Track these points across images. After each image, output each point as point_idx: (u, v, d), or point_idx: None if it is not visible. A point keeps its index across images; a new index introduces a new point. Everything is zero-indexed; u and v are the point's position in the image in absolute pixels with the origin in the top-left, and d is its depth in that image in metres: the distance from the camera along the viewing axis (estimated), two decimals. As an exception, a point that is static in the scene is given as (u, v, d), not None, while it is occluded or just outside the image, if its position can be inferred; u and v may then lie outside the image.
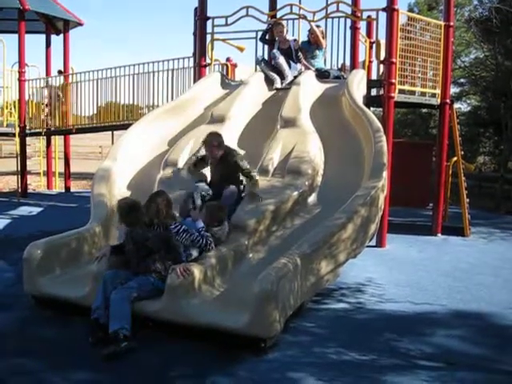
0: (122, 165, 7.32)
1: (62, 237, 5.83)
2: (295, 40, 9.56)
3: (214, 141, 6.43)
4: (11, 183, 16.68)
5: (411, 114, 24.74)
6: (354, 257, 5.96)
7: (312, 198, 6.70)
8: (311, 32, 9.59)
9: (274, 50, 9.34)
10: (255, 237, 6.00)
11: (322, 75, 9.28)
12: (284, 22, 9.59)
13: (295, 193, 6.47)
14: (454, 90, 21.96)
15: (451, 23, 9.70)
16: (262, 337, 4.56)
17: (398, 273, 7.28)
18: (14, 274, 6.59)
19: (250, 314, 4.53)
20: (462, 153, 10.47)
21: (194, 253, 5.31)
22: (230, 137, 7.82)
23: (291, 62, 9.32)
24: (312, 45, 9.62)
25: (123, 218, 5.28)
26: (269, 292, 4.49)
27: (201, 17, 9.72)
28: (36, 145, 16.56)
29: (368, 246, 6.60)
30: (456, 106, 10.61)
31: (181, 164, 7.25)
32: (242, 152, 6.85)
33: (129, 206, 5.25)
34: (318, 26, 9.59)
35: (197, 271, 5.02)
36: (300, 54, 9.41)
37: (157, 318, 4.85)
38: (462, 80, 22.62)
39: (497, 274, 7.41)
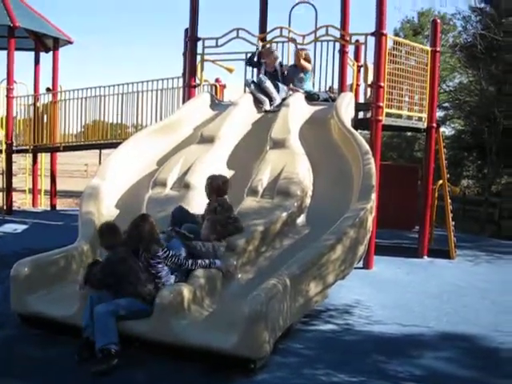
0: (110, 183, 7.30)
1: (50, 255, 5.77)
2: (281, 64, 9.66)
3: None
4: (-5, 200, 16.53)
5: (396, 137, 25.02)
6: (343, 278, 5.98)
7: (301, 219, 6.73)
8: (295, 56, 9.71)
9: (261, 75, 9.42)
10: (244, 257, 5.98)
11: (311, 98, 9.37)
12: (274, 49, 9.67)
13: (284, 214, 6.49)
14: (438, 113, 22.24)
15: (438, 48, 9.88)
16: (251, 358, 4.54)
17: (386, 295, 7.31)
18: (0, 293, 6.51)
19: (239, 335, 4.51)
20: (448, 176, 10.59)
21: (176, 278, 5.29)
22: (220, 157, 7.88)
23: (279, 84, 9.39)
24: (298, 68, 9.71)
25: (100, 241, 5.31)
26: (258, 313, 4.48)
27: (191, 38, 9.80)
28: (21, 162, 16.44)
29: (355, 268, 6.61)
30: (440, 129, 10.72)
31: (170, 183, 7.25)
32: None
33: (105, 229, 5.23)
34: (303, 49, 9.68)
35: (186, 291, 5.00)
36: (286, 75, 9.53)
37: (146, 338, 4.82)
38: (446, 104, 22.94)
39: (483, 296, 7.47)
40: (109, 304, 4.83)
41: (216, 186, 6.28)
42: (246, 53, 10.24)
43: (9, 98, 13.48)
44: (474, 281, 8.40)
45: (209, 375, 4.52)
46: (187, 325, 4.81)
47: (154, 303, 4.83)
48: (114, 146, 9.26)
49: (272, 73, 9.50)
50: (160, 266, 5.14)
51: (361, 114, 9.86)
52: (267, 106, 9.12)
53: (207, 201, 6.42)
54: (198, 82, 9.95)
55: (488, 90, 18.59)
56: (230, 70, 11.07)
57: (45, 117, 13.80)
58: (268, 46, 9.72)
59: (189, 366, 4.63)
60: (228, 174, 7.60)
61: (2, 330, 5.38)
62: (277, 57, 9.55)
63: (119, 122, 13.09)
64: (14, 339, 5.18)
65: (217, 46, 9.70)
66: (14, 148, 13.96)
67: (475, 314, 6.60)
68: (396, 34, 23.34)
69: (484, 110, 18.13)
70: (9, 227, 11.63)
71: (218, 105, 9.54)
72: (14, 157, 14.57)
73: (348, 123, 7.95)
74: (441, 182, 10.44)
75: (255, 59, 9.82)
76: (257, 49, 9.73)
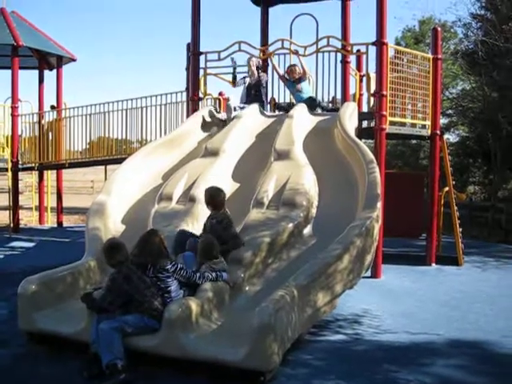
0: (116, 199, 7.31)
1: (57, 272, 5.78)
2: (259, 68, 9.76)
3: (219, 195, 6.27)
4: (2, 218, 16.58)
5: (401, 146, 25.01)
6: (351, 287, 5.95)
7: (307, 230, 6.72)
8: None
9: (240, 105, 9.50)
10: (251, 269, 5.98)
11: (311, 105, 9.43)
12: (252, 60, 9.67)
13: (290, 225, 6.48)
14: (442, 121, 22.23)
15: (439, 56, 9.91)
16: (260, 370, 4.52)
17: (394, 303, 7.28)
18: (7, 310, 6.53)
19: (248, 347, 4.50)
20: (454, 183, 10.57)
21: (185, 293, 5.29)
22: (224, 170, 7.90)
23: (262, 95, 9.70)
24: (294, 82, 9.74)
25: (105, 260, 5.27)
26: (267, 325, 4.48)
27: (194, 52, 9.86)
28: (27, 180, 16.52)
29: (363, 277, 6.59)
30: (444, 136, 10.73)
31: (175, 197, 7.27)
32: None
33: (108, 248, 5.18)
34: (293, 65, 9.79)
35: (194, 305, 4.99)
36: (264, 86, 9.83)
37: (154, 352, 4.81)
38: (449, 111, 22.94)
39: (492, 302, 7.43)
40: (114, 321, 4.83)
41: (219, 200, 6.27)
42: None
43: (14, 117, 13.59)
44: (483, 287, 8.36)
45: (218, 388, 4.51)
46: (196, 338, 4.79)
47: (162, 318, 4.83)
48: (119, 161, 9.30)
49: (256, 83, 9.65)
50: (169, 280, 5.15)
51: (365, 123, 9.88)
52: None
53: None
54: (201, 95, 10.00)
55: (491, 95, 18.59)
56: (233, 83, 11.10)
57: (50, 134, 13.89)
58: (248, 56, 9.75)
59: (198, 380, 4.62)
60: (233, 186, 7.65)
61: (9, 348, 5.38)
62: (250, 66, 9.62)
63: (124, 137, 13.16)
64: (22, 356, 5.18)
65: (219, 59, 9.76)
66: (20, 166, 14.03)
67: (484, 320, 6.57)
68: (397, 43, 23.44)
69: (488, 115, 18.11)
70: (16, 245, 11.66)
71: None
72: (20, 175, 14.65)
73: (352, 132, 7.96)
74: (447, 189, 10.42)
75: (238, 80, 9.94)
76: (234, 69, 9.87)
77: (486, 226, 17.22)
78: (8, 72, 13.78)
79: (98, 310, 4.93)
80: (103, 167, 16.41)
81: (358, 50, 9.85)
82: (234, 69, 9.89)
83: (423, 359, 5.23)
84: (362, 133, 9.37)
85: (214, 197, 6.27)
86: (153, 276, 5.13)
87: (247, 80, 9.70)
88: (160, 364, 4.79)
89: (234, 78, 9.99)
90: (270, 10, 11.62)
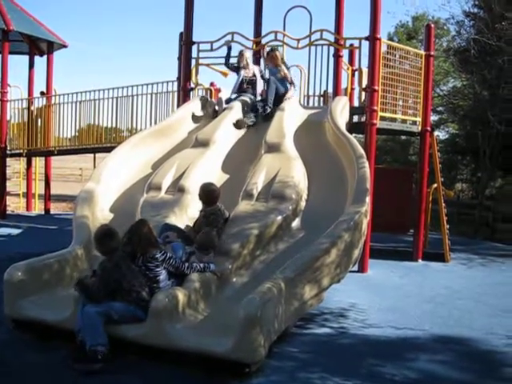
0: (105, 187, 7.28)
1: (44, 259, 5.74)
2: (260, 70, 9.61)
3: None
4: (-11, 204, 16.43)
5: (391, 141, 25.06)
6: (338, 281, 5.96)
7: (296, 223, 6.71)
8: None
9: (229, 97, 9.28)
10: (239, 261, 5.97)
11: None
12: (247, 52, 9.52)
13: (279, 217, 6.48)
14: (432, 117, 22.27)
15: (431, 53, 9.93)
16: (246, 362, 4.52)
17: (381, 298, 7.31)
18: (-8, 297, 6.47)
19: (234, 339, 4.50)
20: (442, 179, 10.62)
21: (173, 283, 5.28)
22: (214, 161, 7.88)
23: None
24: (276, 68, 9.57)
25: (97, 246, 5.23)
26: (253, 316, 4.47)
27: (186, 41, 9.80)
28: (15, 166, 16.42)
29: (350, 272, 6.60)
30: (434, 133, 10.77)
31: (164, 187, 7.24)
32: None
33: (102, 235, 5.15)
34: (275, 50, 9.57)
35: (181, 295, 4.99)
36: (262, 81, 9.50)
37: (140, 342, 4.80)
38: (440, 108, 23.00)
39: (477, 299, 7.48)
40: (100, 306, 4.80)
41: (210, 196, 6.29)
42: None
43: (3, 102, 13.47)
44: (469, 284, 8.42)
45: (203, 379, 4.51)
46: (182, 329, 4.79)
47: (149, 308, 4.82)
48: (109, 150, 9.24)
49: (250, 78, 9.39)
50: (158, 269, 5.14)
51: (355, 118, 9.87)
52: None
53: (201, 205, 6.42)
54: (192, 85, 9.95)
55: (481, 93, 18.65)
56: (225, 74, 11.05)
57: (39, 120, 13.79)
58: (242, 48, 9.57)
59: (183, 371, 4.61)
60: (223, 177, 7.63)
61: (-6, 335, 5.35)
62: (243, 57, 9.37)
63: (113, 125, 13.10)
64: (7, 343, 5.15)
65: (211, 49, 9.70)
66: (8, 152, 13.94)
67: (469, 316, 6.62)
68: (390, 39, 23.46)
69: (478, 113, 18.17)
70: (2, 231, 11.57)
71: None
72: (8, 161, 14.56)
73: (343, 127, 7.96)
74: (435, 185, 10.47)
75: (232, 62, 9.69)
76: (229, 48, 9.53)
77: (473, 224, 17.32)
78: (-3, 56, 13.65)
79: (91, 298, 4.91)
80: (92, 155, 16.33)
81: (351, 45, 9.85)
82: (229, 49, 9.53)
83: (408, 354, 5.26)
84: (352, 127, 9.37)
85: (205, 192, 6.33)
86: (141, 265, 5.12)
87: (242, 73, 9.53)
88: (145, 354, 4.78)
89: (228, 59, 9.57)
90: (264, 1, 11.56)
